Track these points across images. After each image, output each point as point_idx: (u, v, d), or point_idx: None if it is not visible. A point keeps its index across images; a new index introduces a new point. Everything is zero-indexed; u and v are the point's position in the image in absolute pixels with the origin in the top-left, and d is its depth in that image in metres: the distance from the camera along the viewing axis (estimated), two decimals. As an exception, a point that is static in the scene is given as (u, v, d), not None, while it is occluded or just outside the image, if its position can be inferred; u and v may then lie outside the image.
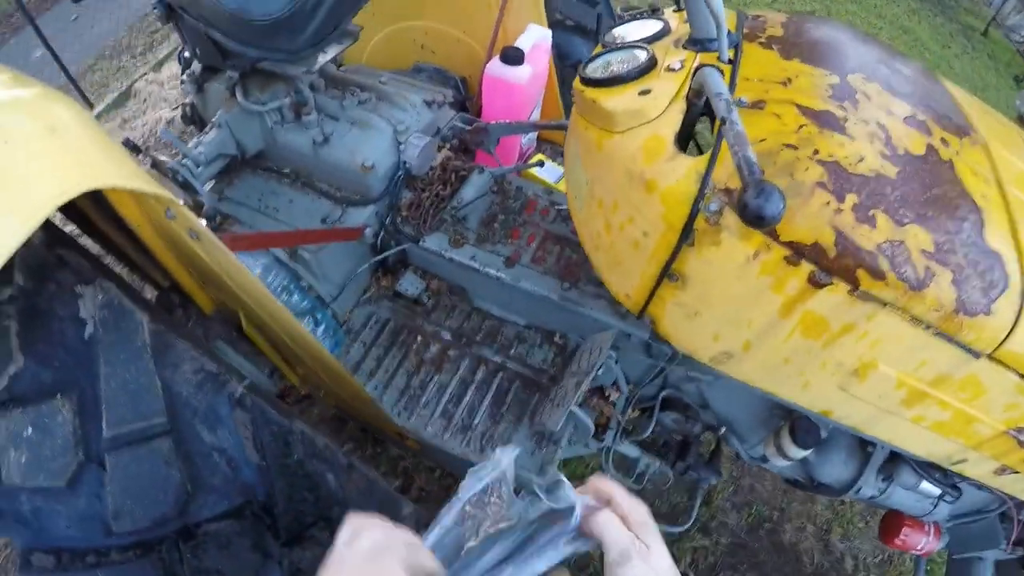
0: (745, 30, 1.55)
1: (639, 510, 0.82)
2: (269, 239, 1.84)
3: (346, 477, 1.38)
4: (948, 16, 9.18)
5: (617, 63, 1.53)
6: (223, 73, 1.99)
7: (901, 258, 1.22)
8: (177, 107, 2.21)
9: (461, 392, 1.97)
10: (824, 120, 1.31)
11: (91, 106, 4.77)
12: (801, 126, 1.29)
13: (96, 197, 1.27)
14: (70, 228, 1.69)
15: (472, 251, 2.02)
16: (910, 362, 1.37)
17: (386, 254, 2.09)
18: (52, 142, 0.89)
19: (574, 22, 2.91)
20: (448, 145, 2.29)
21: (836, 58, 1.48)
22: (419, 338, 2.08)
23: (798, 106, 1.32)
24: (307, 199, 2.05)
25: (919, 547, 2.05)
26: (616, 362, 1.90)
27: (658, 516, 2.45)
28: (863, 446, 1.92)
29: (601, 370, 1.78)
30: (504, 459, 0.85)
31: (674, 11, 1.71)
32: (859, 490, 1.95)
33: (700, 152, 1.38)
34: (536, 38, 2.54)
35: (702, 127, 1.48)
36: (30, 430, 1.03)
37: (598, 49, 1.64)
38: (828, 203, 1.23)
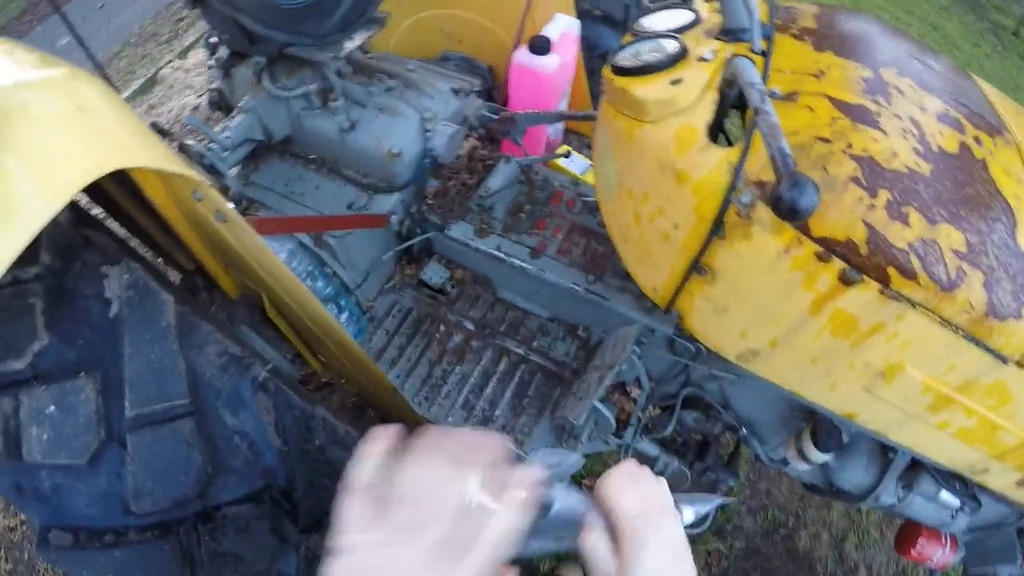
0: (777, 21, 1.53)
1: (638, 532, 0.74)
2: (295, 223, 1.84)
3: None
4: (979, 15, 9.03)
5: (647, 52, 1.51)
6: (250, 59, 1.99)
7: (933, 257, 1.20)
8: (203, 94, 2.22)
9: (483, 383, 1.97)
10: (858, 114, 1.28)
11: (118, 93, 4.80)
12: (834, 119, 1.27)
13: (122, 179, 1.27)
14: (96, 211, 1.71)
15: (498, 241, 2.01)
16: (938, 366, 1.34)
17: (411, 242, 2.09)
18: (80, 121, 0.89)
19: (602, 12, 2.89)
20: (475, 134, 2.29)
21: (869, 52, 1.46)
22: (442, 327, 2.07)
23: (831, 99, 1.30)
24: (333, 185, 2.05)
25: (935, 559, 2.02)
26: (639, 358, 1.88)
27: (674, 517, 2.40)
28: (884, 452, 1.89)
29: (624, 365, 1.77)
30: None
31: (704, 1, 1.69)
32: (878, 497, 1.92)
33: (729, 144, 1.37)
34: (564, 27, 2.53)
35: (731, 120, 1.46)
36: (53, 408, 1.03)
37: (627, 38, 1.62)
38: (861, 199, 1.20)
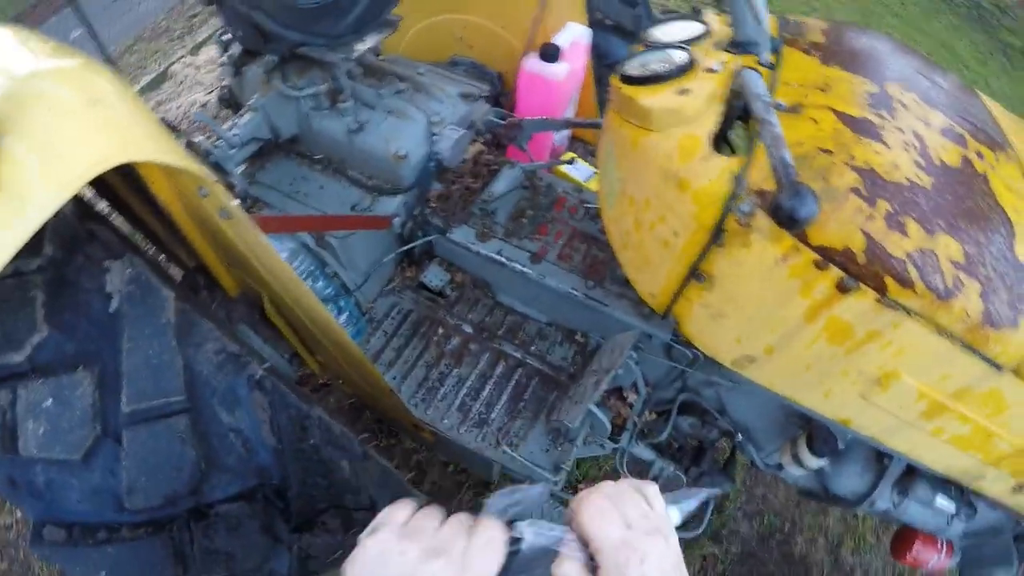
0: (786, 35, 1.55)
1: (619, 562, 0.70)
2: (298, 222, 1.85)
3: (361, 466, 1.38)
4: (989, 34, 9.01)
5: (656, 62, 1.52)
6: (262, 57, 2.00)
7: (930, 267, 1.22)
8: (212, 91, 2.23)
9: (480, 386, 1.97)
10: (861, 127, 1.30)
11: (128, 87, 4.82)
12: (838, 131, 1.29)
13: (128, 174, 1.28)
14: (101, 206, 1.71)
15: (499, 245, 2.02)
16: (933, 373, 1.36)
17: (413, 244, 2.09)
18: (93, 113, 0.89)
19: (613, 22, 2.90)
20: (481, 139, 2.29)
21: (875, 67, 1.47)
22: (440, 330, 2.07)
23: (836, 112, 1.32)
24: (338, 186, 2.05)
25: (930, 564, 2.02)
26: (636, 363, 1.89)
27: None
28: (879, 458, 1.90)
29: (621, 370, 1.77)
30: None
31: (715, 13, 1.70)
32: (873, 503, 1.93)
33: (733, 154, 1.38)
34: (575, 36, 2.54)
35: (735, 131, 1.47)
36: (50, 401, 1.03)
37: (637, 48, 1.63)
38: (860, 209, 1.22)
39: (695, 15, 1.72)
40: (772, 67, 1.37)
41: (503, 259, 1.98)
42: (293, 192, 2.04)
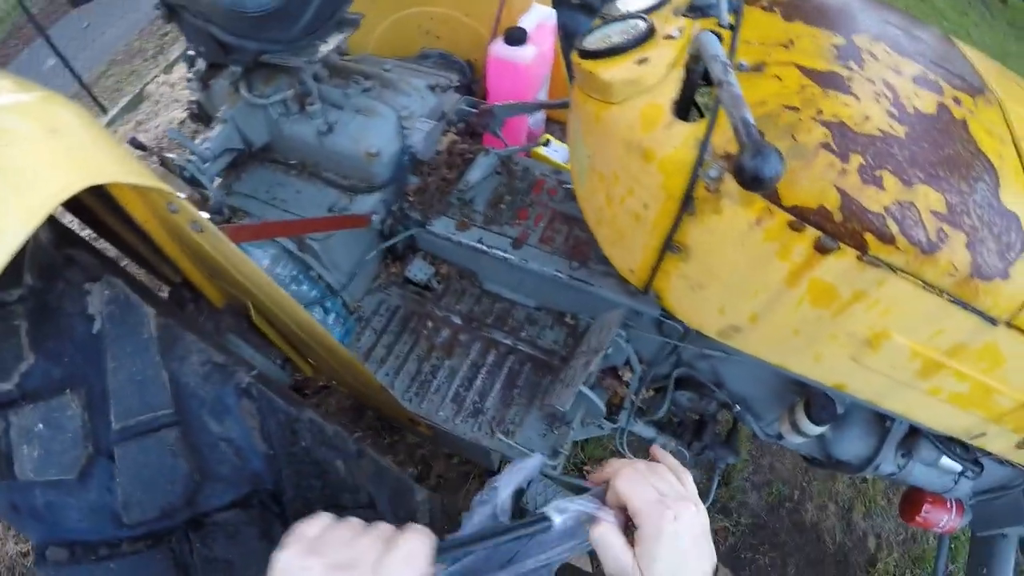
0: None
1: (655, 519, 0.76)
2: (272, 229, 1.84)
3: (356, 464, 1.38)
4: (965, -17, 9.00)
5: (615, 34, 1.50)
6: (227, 69, 2.00)
7: (911, 220, 1.18)
8: (188, 106, 2.25)
9: (472, 376, 1.97)
10: (828, 80, 1.27)
11: (104, 111, 4.84)
12: (803, 87, 1.26)
13: (105, 197, 1.28)
14: (87, 232, 1.72)
15: (479, 233, 2.02)
16: (924, 331, 1.33)
17: (394, 240, 2.09)
18: (53, 142, 0.90)
19: (579, 0, 2.89)
20: (454, 129, 2.29)
21: (841, 19, 1.44)
22: (430, 323, 2.08)
23: (800, 67, 1.29)
24: (314, 189, 2.05)
25: (941, 524, 2.01)
26: (627, 341, 1.89)
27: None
28: (881, 421, 1.89)
29: (611, 349, 1.77)
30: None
31: None
32: (878, 467, 1.92)
33: (703, 119, 1.36)
34: (540, 18, 2.54)
35: (703, 95, 1.46)
36: (41, 425, 1.04)
37: (597, 22, 1.62)
38: (832, 164, 1.19)
39: None
40: (732, 28, 1.35)
41: (484, 247, 1.98)
42: (271, 199, 2.03)
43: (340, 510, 1.34)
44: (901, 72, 1.36)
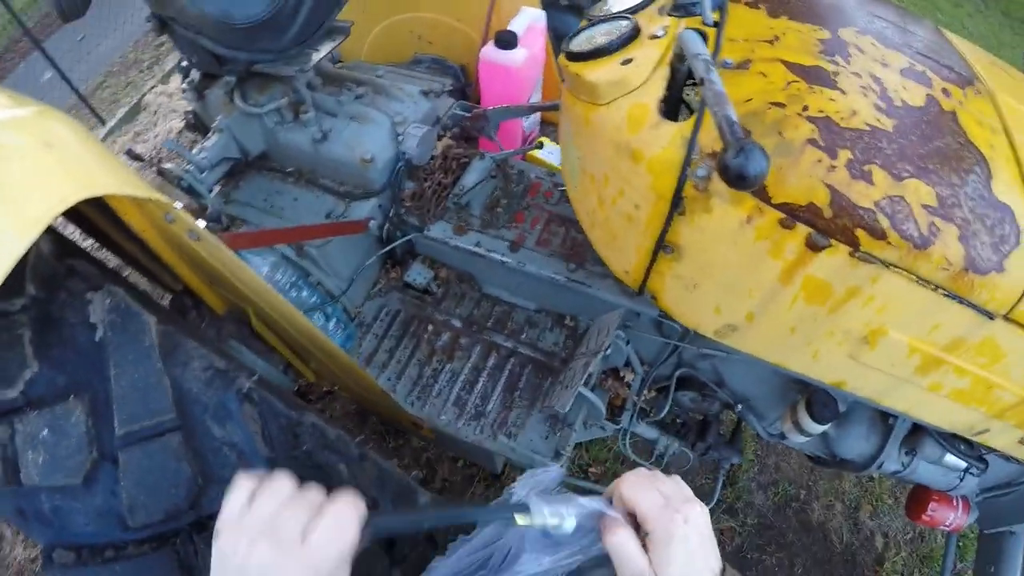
0: None
1: (665, 523, 0.78)
2: (269, 236, 1.86)
3: (359, 467, 1.40)
4: (959, -26, 8.98)
5: (600, 35, 1.52)
6: (221, 79, 2.02)
7: (902, 215, 1.18)
8: (184, 117, 2.28)
9: (473, 379, 1.98)
10: (813, 76, 1.27)
11: (103, 122, 4.85)
12: (789, 83, 1.26)
13: (104, 208, 1.30)
14: (88, 243, 1.74)
15: (476, 237, 2.03)
16: (921, 326, 1.32)
17: (392, 245, 2.11)
18: (48, 156, 0.92)
19: (568, 1, 2.90)
20: (449, 134, 2.30)
21: (827, 13, 1.45)
22: (430, 327, 2.09)
23: (785, 63, 1.29)
24: (311, 196, 2.07)
25: (947, 522, 2.00)
26: (628, 342, 1.89)
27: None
28: (884, 419, 1.88)
29: (610, 350, 1.77)
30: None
31: None
32: (882, 465, 1.91)
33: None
34: (530, 20, 2.55)
35: (690, 95, 1.47)
36: (46, 431, 1.05)
37: (583, 23, 1.63)
38: (820, 160, 1.19)
39: None
40: (717, 26, 1.34)
41: (482, 251, 1.99)
42: (268, 207, 2.05)
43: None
44: (888, 65, 1.36)
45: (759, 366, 1.62)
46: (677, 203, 1.33)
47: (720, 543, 2.74)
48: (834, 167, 1.19)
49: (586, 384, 1.71)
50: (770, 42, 1.35)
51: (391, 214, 2.08)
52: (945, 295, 1.24)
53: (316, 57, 1.94)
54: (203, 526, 1.17)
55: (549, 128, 3.08)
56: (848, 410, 1.87)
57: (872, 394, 1.55)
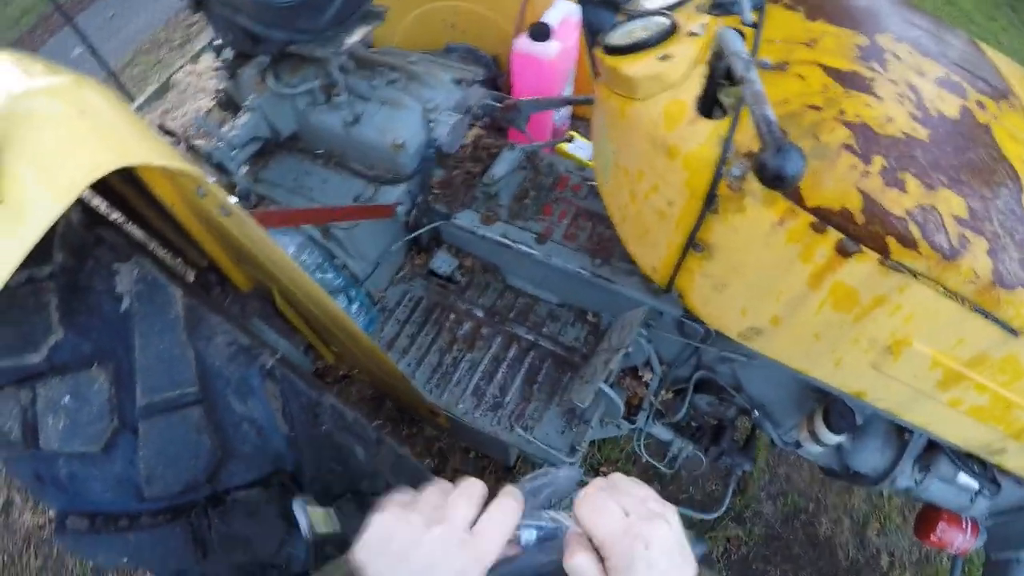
0: None
1: (624, 549, 0.71)
2: (299, 216, 1.87)
3: (375, 451, 1.40)
4: (994, -13, 8.84)
5: (638, 30, 1.51)
6: (254, 59, 2.02)
7: (933, 225, 1.17)
8: (215, 96, 2.29)
9: (493, 369, 1.99)
10: (851, 80, 1.27)
11: (131, 99, 4.88)
12: (826, 87, 1.26)
13: (134, 181, 1.31)
14: (115, 215, 1.75)
15: (503, 228, 2.03)
16: (945, 339, 1.31)
17: (418, 232, 2.11)
18: (83, 124, 0.93)
19: (603, -4, 2.89)
20: (479, 123, 2.30)
21: (864, 19, 1.44)
22: (452, 316, 2.10)
23: (823, 67, 1.29)
24: (340, 178, 2.08)
25: (955, 544, 1.97)
26: (649, 341, 1.89)
27: (692, 503, 2.41)
28: (900, 434, 1.86)
29: (632, 348, 1.77)
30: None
31: None
32: (894, 480, 1.89)
33: (725, 117, 1.35)
34: (564, 13, 2.54)
35: (725, 93, 1.46)
36: (68, 398, 1.06)
37: (620, 18, 1.63)
38: (855, 166, 1.19)
39: None
40: (755, 26, 1.34)
41: (508, 241, 1.99)
42: (297, 188, 2.07)
43: (359, 496, 1.36)
44: (924, 74, 1.35)
45: (779, 372, 1.61)
46: (710, 201, 1.32)
47: (726, 552, 2.76)
48: (868, 173, 1.19)
49: (606, 381, 1.71)
50: (808, 45, 1.35)
51: (419, 200, 2.08)
52: (971, 308, 1.23)
53: (350, 40, 1.94)
54: (219, 500, 1.18)
55: (579, 122, 3.07)
56: (864, 423, 1.85)
57: (892, 406, 1.54)
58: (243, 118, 1.97)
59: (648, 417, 1.99)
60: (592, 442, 2.57)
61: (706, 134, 1.30)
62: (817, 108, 1.23)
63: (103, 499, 1.12)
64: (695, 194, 1.34)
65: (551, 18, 2.51)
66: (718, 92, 1.36)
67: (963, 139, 1.27)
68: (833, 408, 1.73)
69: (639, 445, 2.07)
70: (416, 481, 1.51)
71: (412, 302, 2.13)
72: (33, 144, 0.87)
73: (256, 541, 1.20)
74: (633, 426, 1.97)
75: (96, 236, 1.16)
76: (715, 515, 2.16)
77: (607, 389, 1.74)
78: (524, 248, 1.97)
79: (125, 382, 1.10)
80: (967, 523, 1.96)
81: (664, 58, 1.41)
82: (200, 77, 4.86)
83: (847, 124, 1.21)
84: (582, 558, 0.72)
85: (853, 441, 1.92)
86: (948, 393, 1.41)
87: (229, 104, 2.25)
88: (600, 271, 1.90)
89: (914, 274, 1.21)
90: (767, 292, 1.39)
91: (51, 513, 2.73)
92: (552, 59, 2.47)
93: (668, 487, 2.83)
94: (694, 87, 1.36)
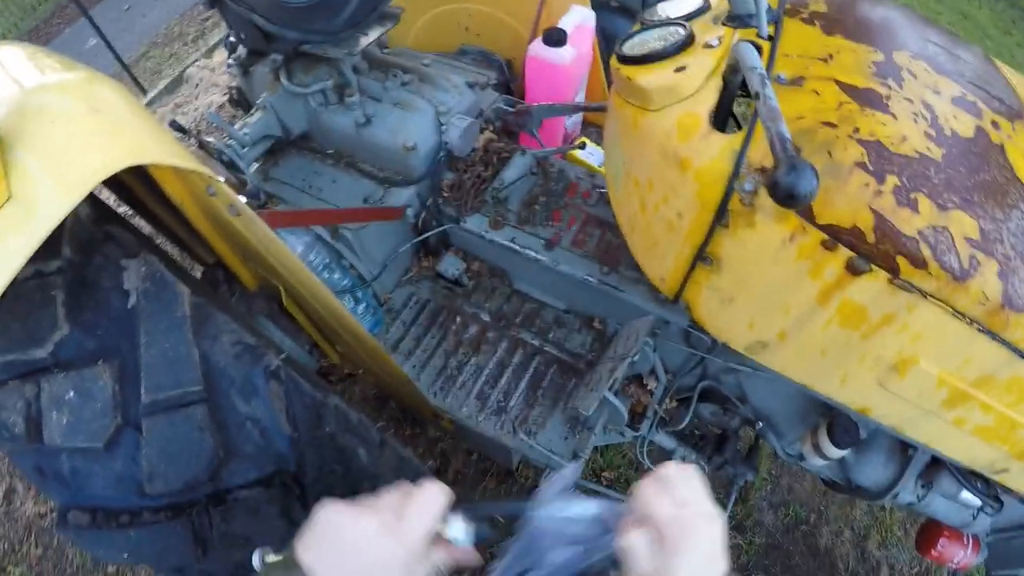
0: (787, 5, 1.50)
1: (676, 532, 0.78)
2: (308, 216, 1.87)
3: (378, 453, 1.40)
4: (1010, 1, 8.80)
5: (654, 40, 1.50)
6: (268, 57, 2.03)
7: (944, 246, 1.17)
8: (227, 92, 2.29)
9: (497, 374, 1.98)
10: (866, 98, 1.26)
11: (144, 92, 4.91)
12: (841, 103, 1.25)
13: (144, 176, 1.31)
14: (123, 209, 1.75)
15: (512, 233, 2.02)
16: (952, 359, 1.31)
17: (427, 234, 2.11)
18: (96, 121, 0.93)
19: (618, 2, 2.89)
20: (491, 127, 2.30)
21: (881, 35, 1.43)
22: (458, 319, 2.09)
23: (839, 83, 1.28)
24: (350, 179, 2.08)
25: (956, 560, 1.98)
26: (654, 350, 1.88)
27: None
28: (903, 449, 1.86)
29: (637, 357, 1.76)
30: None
31: None
32: (897, 495, 1.89)
33: (740, 131, 1.35)
34: (580, 19, 2.53)
35: (741, 107, 1.46)
36: (72, 393, 1.06)
37: (636, 27, 1.62)
38: (867, 184, 1.18)
39: None
40: (771, 39, 1.33)
41: (517, 247, 1.99)
42: (307, 187, 2.07)
43: (359, 497, 1.36)
44: (940, 92, 1.34)
45: (784, 385, 1.60)
46: (721, 215, 1.32)
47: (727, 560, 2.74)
48: (881, 192, 1.18)
49: (611, 389, 1.70)
50: (824, 60, 1.34)
51: (428, 203, 2.08)
52: (979, 330, 1.23)
53: (365, 41, 1.94)
54: (221, 499, 1.18)
55: (591, 129, 3.06)
56: (868, 437, 1.85)
57: (896, 423, 1.53)
58: (255, 116, 1.98)
59: (652, 425, 1.99)
60: (594, 448, 2.57)
61: (719, 148, 1.30)
62: (832, 125, 1.22)
63: (105, 495, 1.12)
64: (706, 207, 1.34)
65: (566, 24, 2.50)
66: (733, 105, 1.36)
67: (977, 159, 1.26)
68: (838, 422, 1.72)
69: (642, 452, 2.07)
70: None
71: (418, 304, 2.13)
72: (45, 140, 0.87)
73: (256, 539, 1.19)
74: (636, 434, 1.96)
75: (105, 232, 1.16)
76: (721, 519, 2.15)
77: (611, 397, 1.73)
78: (532, 254, 1.97)
79: (129, 379, 1.10)
80: (968, 539, 1.97)
81: (679, 70, 1.40)
82: (213, 72, 4.88)
83: (861, 142, 1.20)
84: (635, 536, 0.79)
85: (856, 455, 1.91)
86: (953, 412, 1.41)
87: (241, 101, 2.25)
88: (607, 279, 1.89)
89: (923, 294, 1.21)
90: (775, 307, 1.39)
91: (51, 504, 2.74)
92: (566, 65, 2.46)
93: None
94: (708, 100, 1.35)
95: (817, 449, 1.80)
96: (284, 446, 1.23)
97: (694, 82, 1.37)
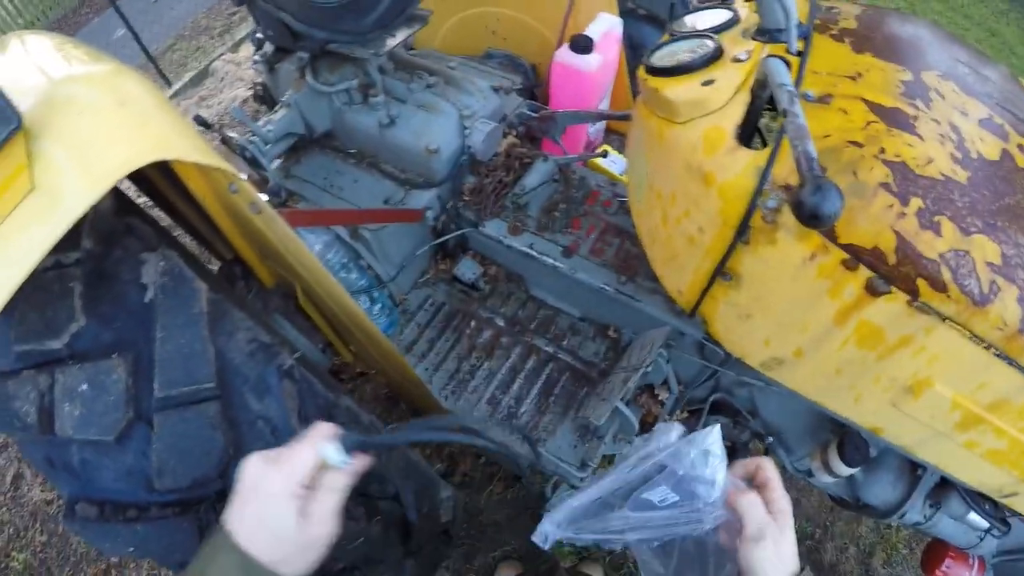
0: (817, 21, 1.49)
1: (784, 500, 0.92)
2: (329, 216, 1.88)
3: (387, 455, 1.40)
4: (1036, 18, 8.72)
5: (683, 52, 1.50)
6: (294, 54, 2.03)
7: (965, 270, 1.16)
8: (252, 87, 2.30)
9: (510, 380, 1.98)
10: (893, 118, 1.25)
11: (169, 84, 4.94)
12: (869, 123, 1.24)
13: (166, 170, 1.31)
14: (142, 200, 1.76)
15: (531, 239, 2.02)
16: (968, 383, 1.30)
17: (445, 238, 2.11)
18: (122, 114, 0.93)
19: (646, 11, 2.88)
20: (514, 132, 2.30)
21: (910, 54, 1.41)
22: (473, 323, 2.09)
23: (867, 102, 1.27)
24: (371, 179, 2.08)
25: None
26: (668, 361, 1.87)
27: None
28: (913, 469, 1.85)
29: (651, 368, 1.76)
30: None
31: (745, 1, 1.67)
32: (904, 514, 1.88)
33: (765, 147, 1.33)
34: (607, 27, 2.52)
35: (767, 122, 1.44)
36: (85, 386, 1.06)
37: (665, 38, 1.61)
38: (891, 206, 1.17)
39: (724, 2, 1.69)
40: (800, 55, 1.31)
41: (535, 253, 1.98)
42: (327, 186, 2.07)
43: (366, 499, 1.36)
44: (967, 114, 1.32)
45: (796, 401, 1.59)
46: (743, 231, 1.31)
47: (728, 573, 2.72)
48: (904, 214, 1.17)
49: (623, 399, 1.69)
50: (853, 78, 1.32)
51: (448, 206, 2.08)
52: (996, 355, 1.22)
53: (392, 42, 1.95)
54: (228, 497, 1.18)
55: (614, 137, 3.05)
56: (878, 456, 1.84)
57: (907, 444, 1.52)
58: (279, 113, 1.98)
59: (662, 436, 1.97)
60: (603, 456, 2.56)
61: (744, 164, 1.29)
62: (858, 145, 1.21)
63: (113, 488, 1.12)
64: (727, 223, 1.33)
65: (593, 31, 2.49)
66: (759, 121, 1.35)
67: (1002, 183, 1.24)
68: (848, 440, 1.72)
69: None
70: (424, 486, 1.52)
71: (433, 307, 2.13)
72: (71, 132, 0.87)
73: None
74: (646, 444, 1.95)
75: (126, 224, 1.16)
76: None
77: (623, 407, 1.73)
78: (550, 260, 1.96)
79: (143, 373, 1.10)
80: (974, 560, 1.96)
81: (707, 83, 1.39)
82: (239, 66, 4.90)
83: (887, 163, 1.19)
84: (755, 496, 0.91)
85: (866, 473, 1.91)
86: (966, 435, 1.40)
87: (266, 98, 2.26)
88: (625, 289, 1.89)
89: (942, 317, 1.20)
90: (792, 325, 1.38)
91: (61, 495, 2.76)
92: (592, 72, 2.46)
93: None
94: (735, 114, 1.34)
95: (827, 466, 1.79)
96: (295, 446, 1.23)
97: (722, 96, 1.36)
